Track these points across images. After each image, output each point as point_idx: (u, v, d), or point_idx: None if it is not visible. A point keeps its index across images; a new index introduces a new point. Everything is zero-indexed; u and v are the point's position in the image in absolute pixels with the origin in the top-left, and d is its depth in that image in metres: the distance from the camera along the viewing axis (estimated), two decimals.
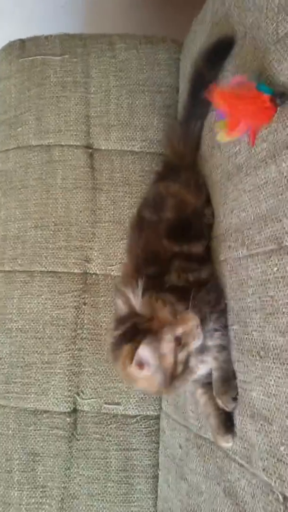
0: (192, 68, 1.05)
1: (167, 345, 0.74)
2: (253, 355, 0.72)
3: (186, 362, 0.77)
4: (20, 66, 1.34)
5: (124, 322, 0.78)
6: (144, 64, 1.28)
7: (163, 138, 1.23)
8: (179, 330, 0.75)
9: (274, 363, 0.65)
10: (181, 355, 0.75)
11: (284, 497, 0.60)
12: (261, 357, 0.69)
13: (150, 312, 0.77)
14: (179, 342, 0.75)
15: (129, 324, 0.77)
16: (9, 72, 1.36)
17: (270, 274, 0.68)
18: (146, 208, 1.02)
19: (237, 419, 0.77)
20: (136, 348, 0.71)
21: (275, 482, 0.63)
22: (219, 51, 0.93)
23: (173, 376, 0.75)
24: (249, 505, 0.70)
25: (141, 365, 0.73)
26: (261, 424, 0.68)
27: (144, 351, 0.72)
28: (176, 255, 0.90)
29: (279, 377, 0.63)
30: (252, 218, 0.74)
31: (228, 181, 0.84)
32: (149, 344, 0.72)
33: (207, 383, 0.85)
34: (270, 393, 0.66)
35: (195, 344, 0.76)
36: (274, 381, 0.65)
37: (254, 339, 0.72)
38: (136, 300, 0.78)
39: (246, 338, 0.74)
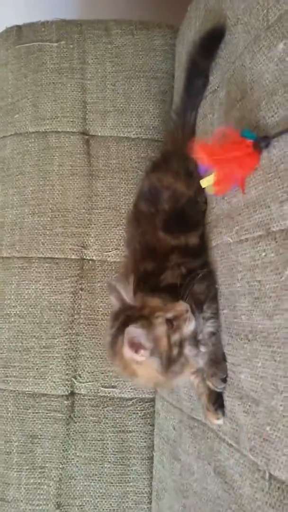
0: (187, 57, 1.05)
1: (160, 328, 0.76)
2: (241, 338, 0.73)
3: (180, 346, 0.79)
4: (17, 53, 1.34)
5: (118, 317, 0.80)
6: (140, 49, 1.28)
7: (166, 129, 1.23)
8: (170, 314, 0.77)
9: (261, 345, 0.66)
10: (174, 338, 0.78)
11: (270, 475, 0.62)
12: (249, 340, 0.71)
13: (141, 303, 0.79)
14: (172, 325, 0.77)
15: (123, 317, 0.79)
16: (5, 58, 1.36)
17: (258, 259, 0.69)
18: (142, 200, 1.02)
19: (227, 401, 0.78)
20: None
21: (261, 460, 0.65)
22: (211, 40, 0.93)
23: (170, 360, 0.77)
24: (237, 483, 0.72)
25: (134, 345, 0.74)
26: (249, 405, 0.70)
27: (134, 330, 0.73)
28: (173, 249, 0.90)
29: (266, 359, 0.65)
30: (243, 204, 0.75)
31: None
32: (140, 325, 0.74)
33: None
34: (257, 375, 0.67)
35: (187, 327, 0.79)
36: (261, 363, 0.66)
37: (243, 322, 0.73)
38: (128, 295, 0.80)
39: (235, 322, 0.76)
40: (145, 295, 0.80)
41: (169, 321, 0.77)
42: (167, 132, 1.19)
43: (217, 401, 0.79)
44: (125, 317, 0.79)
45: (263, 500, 0.64)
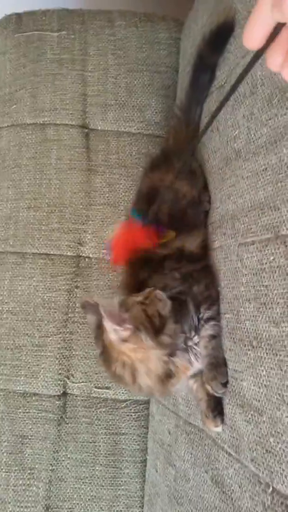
0: (194, 52, 1.02)
1: (134, 308, 0.77)
2: (245, 345, 0.71)
3: (161, 317, 0.78)
4: (16, 42, 1.31)
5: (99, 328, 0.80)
6: (143, 42, 1.25)
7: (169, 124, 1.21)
8: (139, 297, 0.79)
9: (266, 353, 0.64)
10: (151, 310, 0.78)
11: (273, 489, 0.60)
12: (253, 347, 0.68)
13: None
14: (145, 304, 0.79)
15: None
16: (4, 47, 1.32)
17: (266, 263, 0.66)
18: (141, 201, 1.00)
19: (227, 408, 0.76)
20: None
21: (262, 472, 0.63)
22: (220, 35, 0.91)
23: (156, 329, 0.77)
24: (236, 494, 0.69)
25: (115, 317, 0.74)
26: (251, 415, 0.67)
27: (110, 306, 0.76)
28: (166, 257, 0.89)
29: (271, 368, 0.62)
30: (249, 205, 0.72)
31: (226, 166, 0.82)
32: (116, 303, 0.77)
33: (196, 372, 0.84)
34: (261, 383, 0.65)
35: (161, 303, 0.79)
36: (266, 371, 0.64)
37: (247, 328, 0.70)
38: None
39: (239, 327, 0.73)
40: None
41: (141, 303, 0.79)
42: (170, 128, 1.16)
43: (216, 408, 0.77)
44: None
45: None
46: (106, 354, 0.79)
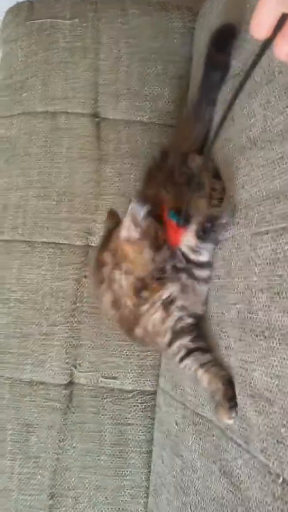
0: (205, 48, 1.01)
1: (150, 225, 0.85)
2: (256, 335, 0.70)
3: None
4: (28, 29, 1.30)
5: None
6: (157, 31, 1.24)
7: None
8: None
9: (279, 343, 0.63)
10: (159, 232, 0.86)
11: (284, 480, 0.59)
12: (265, 337, 0.67)
13: None
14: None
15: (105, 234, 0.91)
16: (16, 34, 1.31)
17: (280, 252, 0.65)
18: None
19: (237, 398, 0.75)
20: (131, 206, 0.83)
21: (273, 463, 0.62)
22: (222, 37, 0.91)
23: (157, 248, 0.84)
24: (245, 484, 0.69)
25: (134, 220, 0.83)
26: (262, 405, 0.67)
27: (136, 207, 0.83)
28: None
29: (284, 358, 0.62)
30: (264, 194, 0.72)
31: (241, 155, 0.81)
32: (141, 202, 0.84)
33: (206, 362, 0.84)
34: (274, 374, 0.64)
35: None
36: (278, 362, 0.63)
37: (259, 318, 0.70)
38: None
39: (250, 317, 0.72)
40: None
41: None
42: (178, 125, 1.15)
43: (233, 399, 0.76)
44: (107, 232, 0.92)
45: (274, 505, 0.61)
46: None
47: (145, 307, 0.86)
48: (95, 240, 1.18)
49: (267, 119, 0.73)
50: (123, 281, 0.86)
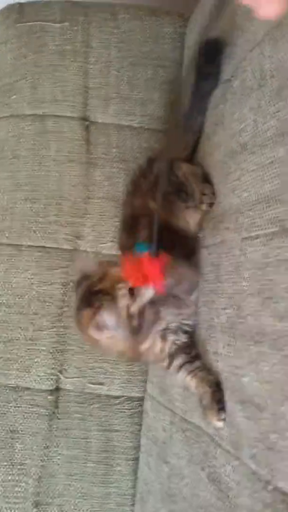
0: (194, 60, 1.02)
1: (122, 301, 0.79)
2: (247, 340, 0.69)
3: (141, 314, 0.80)
4: (17, 31, 1.29)
5: (80, 285, 0.84)
6: (147, 36, 1.24)
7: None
8: (129, 284, 0.79)
9: (270, 348, 0.63)
10: (133, 308, 0.80)
11: (274, 487, 0.58)
12: (255, 342, 0.67)
13: (101, 272, 0.82)
14: (132, 294, 0.79)
15: (84, 287, 0.82)
16: (5, 36, 1.30)
17: (271, 257, 0.65)
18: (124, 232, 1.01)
19: (226, 405, 0.75)
20: (94, 314, 0.78)
21: (263, 470, 0.61)
22: (213, 48, 0.91)
23: (134, 330, 0.80)
24: (234, 491, 0.68)
25: (100, 328, 0.78)
26: (252, 411, 0.66)
27: (103, 316, 0.78)
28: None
29: (274, 363, 0.61)
30: (254, 198, 0.71)
31: (231, 160, 0.81)
32: (108, 308, 0.78)
33: (194, 369, 0.84)
34: (264, 379, 0.64)
35: (147, 293, 0.79)
36: (269, 367, 0.63)
37: (249, 323, 0.69)
38: (88, 265, 0.87)
39: (240, 322, 0.72)
40: (108, 264, 0.84)
41: (130, 290, 0.79)
42: (167, 133, 1.14)
43: (221, 401, 0.75)
44: (86, 288, 0.82)
45: None
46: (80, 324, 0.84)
47: (144, 346, 0.86)
48: (84, 244, 1.17)
49: (257, 124, 0.73)
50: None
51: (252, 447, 0.64)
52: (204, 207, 0.92)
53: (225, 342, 0.77)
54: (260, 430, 0.63)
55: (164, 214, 0.88)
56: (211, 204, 0.89)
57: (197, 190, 0.93)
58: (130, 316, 0.80)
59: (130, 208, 1.00)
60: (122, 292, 0.79)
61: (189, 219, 0.94)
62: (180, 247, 0.88)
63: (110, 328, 0.78)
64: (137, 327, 0.80)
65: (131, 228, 0.95)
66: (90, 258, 0.86)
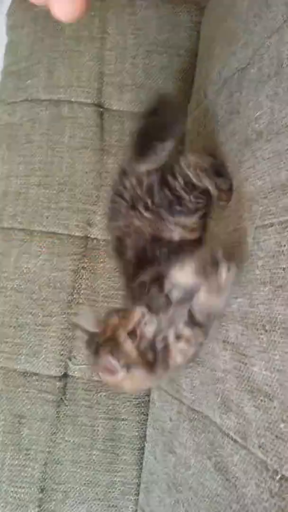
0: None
1: (126, 344, 0.78)
2: (257, 329, 0.68)
3: (153, 347, 0.79)
4: (35, 15, 1.29)
5: (91, 346, 0.83)
6: (164, 24, 1.23)
7: None
8: (129, 326, 0.78)
9: (281, 337, 0.62)
10: (143, 345, 0.78)
11: (282, 476, 0.58)
12: (266, 331, 0.66)
13: (103, 326, 0.82)
14: (135, 335, 0.78)
15: (93, 345, 0.81)
16: (22, 21, 1.30)
17: (285, 245, 0.64)
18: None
19: (234, 394, 0.74)
20: (102, 360, 0.78)
21: (271, 459, 0.61)
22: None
23: (150, 364, 0.78)
24: (241, 480, 0.67)
25: (110, 372, 0.77)
26: (261, 400, 0.65)
27: (109, 360, 0.76)
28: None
29: (285, 352, 0.60)
30: (270, 186, 0.70)
31: (246, 147, 0.80)
32: (112, 351, 0.76)
33: None
34: (274, 368, 0.63)
35: (149, 329, 0.79)
36: (280, 355, 0.62)
37: (260, 312, 0.68)
38: (90, 325, 0.84)
39: (251, 311, 0.71)
40: (105, 316, 0.83)
41: (132, 333, 0.79)
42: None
43: None
44: (95, 344, 0.81)
45: (271, 501, 0.59)
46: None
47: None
48: (95, 232, 1.17)
49: (274, 111, 0.72)
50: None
51: (261, 436, 0.64)
52: (221, 203, 0.88)
53: (236, 331, 0.76)
54: (269, 419, 0.62)
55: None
56: (228, 200, 0.87)
57: (211, 186, 0.89)
58: (142, 354, 0.78)
59: (115, 232, 0.98)
60: (122, 337, 0.78)
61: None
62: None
63: (121, 370, 0.77)
64: (153, 360, 0.79)
65: (120, 253, 0.95)
66: (90, 314, 0.86)
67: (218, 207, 0.89)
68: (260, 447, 0.63)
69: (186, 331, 0.80)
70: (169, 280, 0.79)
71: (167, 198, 0.90)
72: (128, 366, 0.77)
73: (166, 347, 0.80)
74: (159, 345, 0.80)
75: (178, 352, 0.81)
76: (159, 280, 0.81)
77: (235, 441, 0.71)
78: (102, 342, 0.80)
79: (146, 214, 0.90)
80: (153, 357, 0.79)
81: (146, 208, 0.90)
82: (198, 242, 0.94)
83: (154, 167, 0.90)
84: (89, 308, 1.05)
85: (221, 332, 0.80)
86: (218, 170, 0.89)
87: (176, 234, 0.91)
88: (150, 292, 0.81)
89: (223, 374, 0.77)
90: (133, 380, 0.79)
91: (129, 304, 0.86)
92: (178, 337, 0.80)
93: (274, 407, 0.62)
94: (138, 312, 0.79)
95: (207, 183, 0.88)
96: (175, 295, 0.79)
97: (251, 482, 0.64)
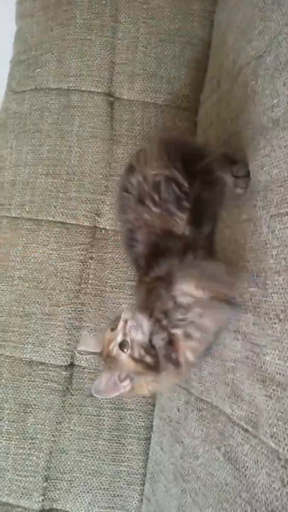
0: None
1: (121, 357, 0.79)
2: (270, 318, 0.68)
3: (149, 350, 0.78)
4: (45, 4, 1.28)
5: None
6: (176, 13, 1.22)
7: None
8: (118, 337, 0.79)
9: None
10: (137, 352, 0.78)
11: None
12: (280, 320, 0.65)
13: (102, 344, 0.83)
14: (128, 345, 0.78)
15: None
16: (32, 9, 1.29)
17: None
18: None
19: (245, 383, 0.73)
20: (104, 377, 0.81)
21: (283, 448, 0.60)
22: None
23: (152, 367, 0.78)
24: (251, 470, 0.67)
25: (113, 389, 0.80)
26: (273, 389, 0.65)
27: (107, 377, 0.80)
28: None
29: None
30: (286, 175, 0.70)
31: (261, 136, 0.79)
32: (108, 368, 0.80)
33: None
34: (287, 357, 0.62)
35: (137, 336, 0.78)
36: None
37: (274, 301, 0.68)
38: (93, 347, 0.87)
39: (264, 300, 0.71)
40: (100, 332, 0.89)
41: (123, 343, 0.79)
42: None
43: None
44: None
45: (283, 491, 0.59)
46: None
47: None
48: (103, 222, 1.16)
49: None
50: None
51: (273, 426, 0.63)
52: (238, 190, 0.85)
53: (248, 321, 0.75)
54: (281, 408, 0.62)
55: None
56: (246, 187, 0.84)
57: (227, 176, 0.86)
58: (140, 361, 0.78)
59: (126, 224, 0.97)
60: (115, 350, 0.79)
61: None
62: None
63: (124, 381, 0.80)
64: (154, 362, 0.79)
65: (131, 246, 0.95)
66: (88, 336, 0.94)
67: (234, 196, 0.87)
68: (272, 436, 0.63)
69: (197, 334, 0.79)
70: (177, 286, 0.79)
71: (174, 194, 0.89)
72: (131, 377, 0.79)
73: (170, 343, 0.79)
74: (159, 344, 0.79)
75: (189, 350, 0.80)
76: (167, 281, 0.80)
77: (246, 430, 0.70)
78: (103, 360, 0.82)
79: (155, 209, 0.89)
80: (153, 360, 0.78)
81: (154, 203, 0.89)
82: (209, 238, 0.93)
83: None
84: (86, 332, 1.10)
85: (232, 322, 0.80)
86: (231, 158, 0.88)
87: (187, 229, 0.90)
88: (159, 292, 0.81)
89: (233, 364, 0.77)
90: (141, 387, 0.81)
91: (140, 298, 0.87)
92: (187, 336, 0.79)
93: (287, 396, 0.61)
94: (121, 322, 0.79)
95: (222, 173, 0.87)
96: (185, 300, 0.79)
97: (262, 472, 0.64)
